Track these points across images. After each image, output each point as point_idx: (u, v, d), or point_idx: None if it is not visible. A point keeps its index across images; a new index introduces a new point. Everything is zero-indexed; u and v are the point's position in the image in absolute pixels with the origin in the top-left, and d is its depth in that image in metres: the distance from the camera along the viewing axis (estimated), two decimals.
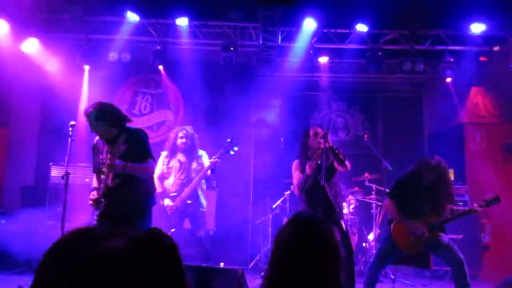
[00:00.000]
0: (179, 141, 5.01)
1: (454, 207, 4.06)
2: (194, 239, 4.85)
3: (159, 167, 4.95)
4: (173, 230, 4.73)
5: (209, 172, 4.86)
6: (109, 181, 3.39)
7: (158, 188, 4.71)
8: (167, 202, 4.88)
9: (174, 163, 5.01)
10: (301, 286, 1.44)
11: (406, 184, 3.95)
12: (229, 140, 4.89)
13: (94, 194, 3.47)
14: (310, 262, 1.46)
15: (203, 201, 5.00)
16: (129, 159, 3.35)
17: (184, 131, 5.06)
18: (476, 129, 6.97)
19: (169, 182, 4.98)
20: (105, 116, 3.43)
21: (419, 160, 4.06)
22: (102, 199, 3.39)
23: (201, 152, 5.09)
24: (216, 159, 4.80)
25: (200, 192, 4.98)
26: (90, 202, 3.46)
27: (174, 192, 4.91)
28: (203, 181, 5.03)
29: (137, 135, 3.49)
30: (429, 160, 3.96)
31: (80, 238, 0.91)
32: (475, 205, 3.94)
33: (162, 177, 5.02)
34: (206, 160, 5.01)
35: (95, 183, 3.62)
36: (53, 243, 0.89)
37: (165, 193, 4.95)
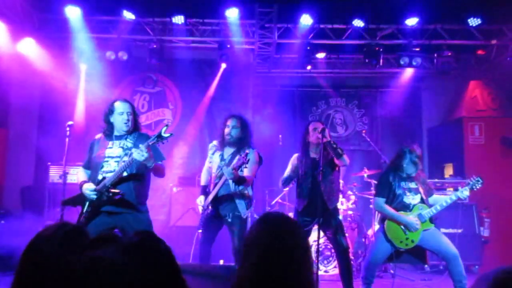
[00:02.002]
0: (226, 130, 4.02)
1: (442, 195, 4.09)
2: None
3: (207, 159, 4.28)
4: (200, 231, 4.17)
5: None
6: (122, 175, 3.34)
7: (202, 181, 4.27)
8: (198, 200, 4.12)
9: (216, 158, 4.08)
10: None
11: (389, 179, 3.95)
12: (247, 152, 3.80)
13: (91, 185, 3.37)
14: (280, 263, 1.34)
15: (242, 209, 3.92)
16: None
17: (233, 119, 4.03)
18: (475, 123, 6.96)
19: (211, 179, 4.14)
20: (136, 112, 3.66)
21: (398, 149, 4.05)
22: (112, 190, 3.31)
23: (249, 150, 3.85)
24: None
25: (238, 198, 3.92)
26: (91, 192, 3.34)
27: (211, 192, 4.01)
28: (242, 187, 3.92)
29: (148, 136, 3.45)
30: (408, 145, 3.99)
31: (57, 238, 0.89)
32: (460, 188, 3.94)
33: (208, 171, 4.24)
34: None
35: (83, 177, 3.53)
36: (31, 240, 0.85)
37: (204, 189, 4.16)
